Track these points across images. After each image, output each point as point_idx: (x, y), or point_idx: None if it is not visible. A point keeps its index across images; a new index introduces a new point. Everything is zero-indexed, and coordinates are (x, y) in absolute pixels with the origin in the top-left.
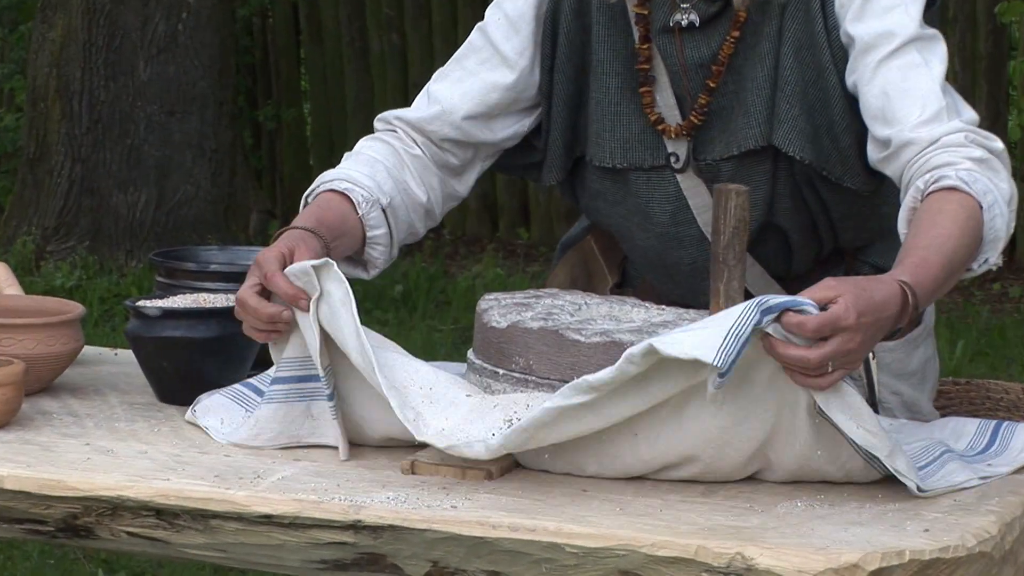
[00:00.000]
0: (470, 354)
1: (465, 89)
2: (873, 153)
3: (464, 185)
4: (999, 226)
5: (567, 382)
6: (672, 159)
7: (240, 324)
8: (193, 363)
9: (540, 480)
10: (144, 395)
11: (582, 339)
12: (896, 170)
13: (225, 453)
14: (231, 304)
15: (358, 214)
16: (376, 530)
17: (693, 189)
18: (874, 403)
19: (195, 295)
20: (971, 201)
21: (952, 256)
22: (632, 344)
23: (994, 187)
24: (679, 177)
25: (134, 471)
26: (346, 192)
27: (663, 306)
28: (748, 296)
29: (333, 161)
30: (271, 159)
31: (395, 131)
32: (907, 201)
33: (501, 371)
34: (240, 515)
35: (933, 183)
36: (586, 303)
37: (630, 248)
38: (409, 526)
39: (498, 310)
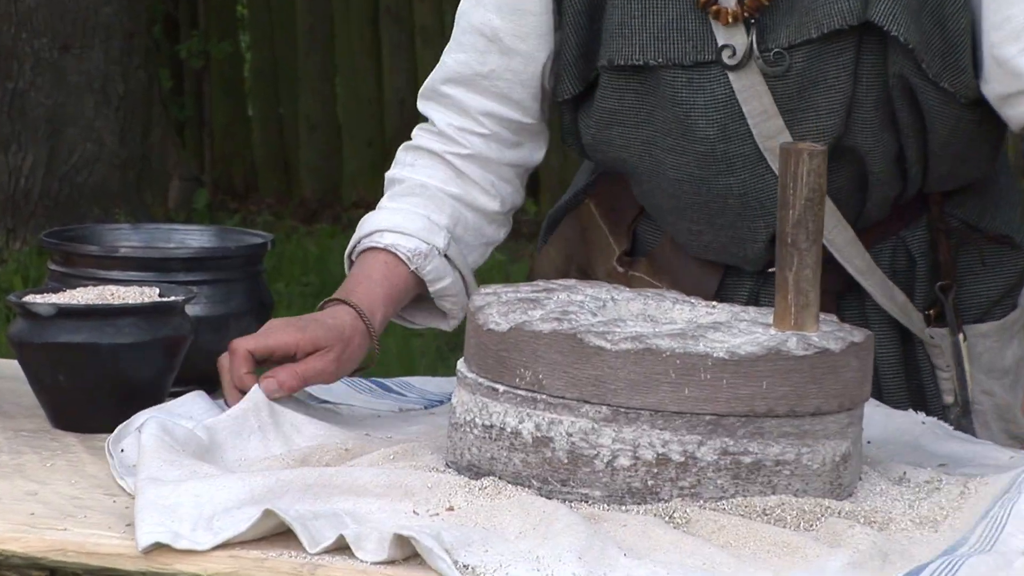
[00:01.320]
0: (460, 365)
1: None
2: (996, 83)
3: (540, 152)
4: None
5: (589, 402)
6: (726, 53)
7: (164, 327)
8: (99, 378)
9: None
10: (34, 419)
11: (608, 346)
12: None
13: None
14: (150, 300)
15: (410, 269)
16: None
17: (749, 90)
18: (967, 402)
19: (100, 288)
20: None
21: None
22: (673, 354)
23: None
24: (731, 76)
25: (20, 519)
26: (390, 249)
27: (713, 303)
28: (827, 288)
29: (279, 113)
30: (198, 108)
31: (439, 132)
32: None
33: (501, 387)
34: None
35: None
36: (613, 298)
37: (653, 190)
38: None
39: (497, 308)
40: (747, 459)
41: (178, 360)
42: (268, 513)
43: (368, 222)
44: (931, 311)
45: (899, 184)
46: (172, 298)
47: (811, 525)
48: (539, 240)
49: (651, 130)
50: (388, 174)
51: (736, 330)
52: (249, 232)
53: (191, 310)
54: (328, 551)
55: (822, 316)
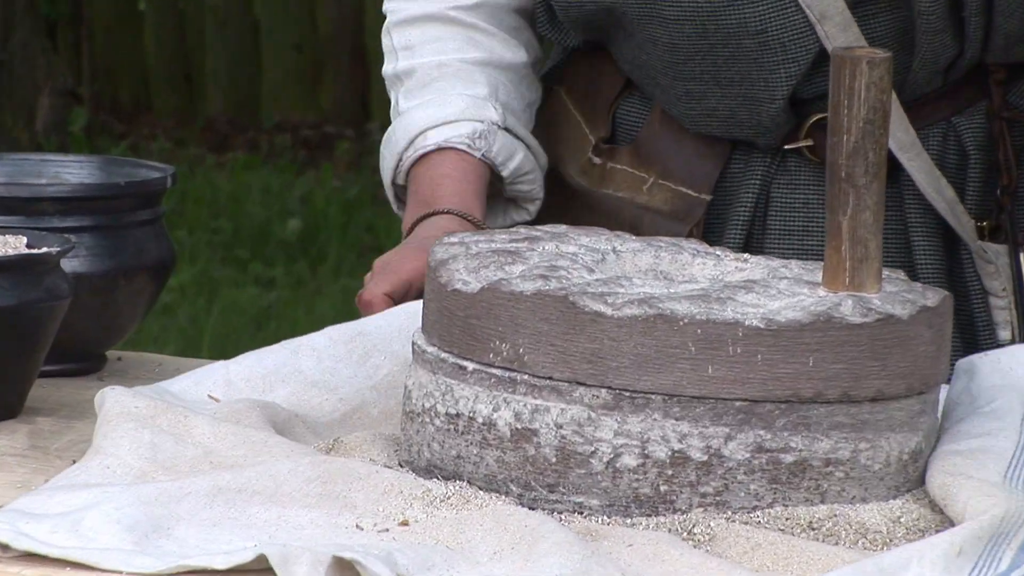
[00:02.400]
0: (417, 336)
1: None
2: None
3: None
4: None
5: (584, 384)
6: None
7: (33, 288)
8: None
9: None
10: None
11: (609, 311)
12: None
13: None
14: (15, 252)
15: (477, 157)
16: None
17: None
18: None
19: None
20: None
21: None
22: (693, 321)
23: None
24: None
25: None
26: (445, 146)
27: (745, 255)
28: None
29: (178, 4)
30: (74, 1)
31: None
32: None
33: (471, 365)
34: None
35: None
36: (615, 249)
37: (644, 42)
38: None
39: (466, 262)
40: (788, 458)
41: (52, 330)
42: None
43: (398, 133)
44: (984, 223)
45: (954, 41)
46: (44, 249)
47: (875, 543)
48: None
49: None
50: (386, 71)
51: (775, 290)
52: (143, 164)
53: (68, 265)
54: (242, 571)
55: (885, 272)
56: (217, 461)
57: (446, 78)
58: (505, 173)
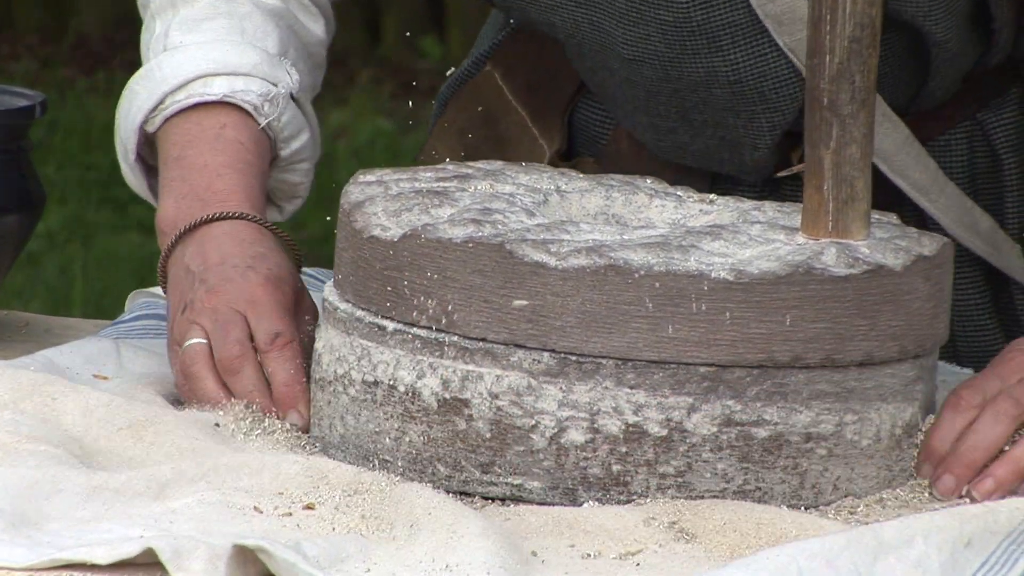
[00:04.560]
0: (329, 290)
1: None
2: None
3: None
4: None
5: (523, 347)
6: None
7: None
8: None
9: None
10: None
11: (552, 261)
12: None
13: None
14: None
15: (261, 124)
16: None
17: None
18: None
19: None
20: None
21: None
22: (650, 273)
23: None
24: None
25: None
26: (229, 100)
27: (711, 196)
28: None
29: None
30: None
31: None
32: None
33: (391, 325)
34: None
35: None
36: (559, 189)
37: (600, 68)
38: None
39: (385, 204)
40: (762, 432)
41: None
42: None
43: (166, 71)
44: None
45: (975, 52)
46: None
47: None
48: (431, 120)
49: None
50: None
51: (745, 237)
52: (6, 89)
53: None
54: (128, 567)
55: (874, 215)
56: (84, 453)
57: (235, 18)
58: (284, 153)
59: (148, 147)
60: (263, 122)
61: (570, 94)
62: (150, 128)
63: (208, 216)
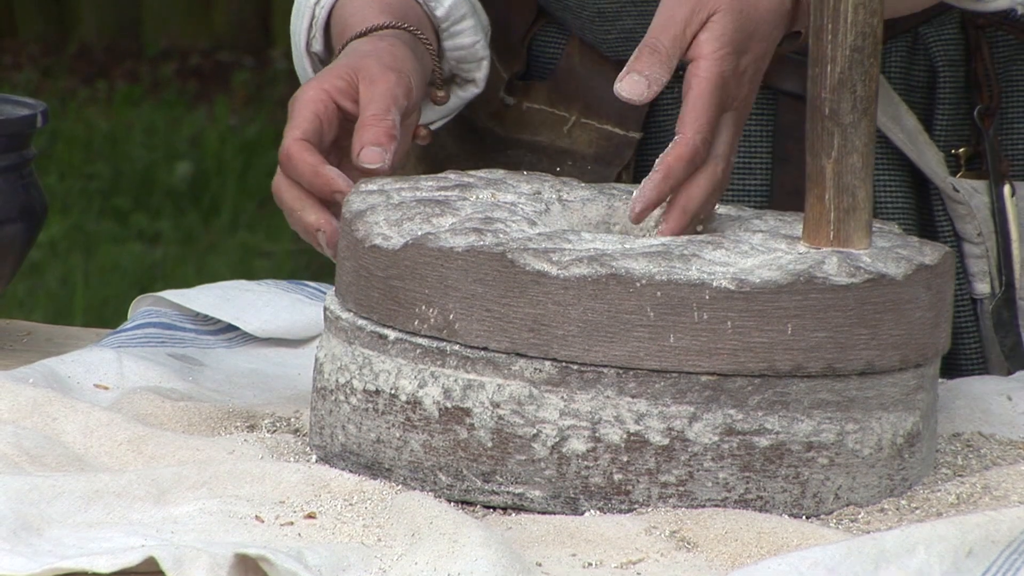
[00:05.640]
0: (330, 299)
1: None
2: None
3: None
4: None
5: (525, 356)
6: None
7: None
8: None
9: None
10: None
11: (553, 270)
12: None
13: None
14: None
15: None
16: None
17: None
18: (1010, 286)
19: None
20: None
21: None
22: (652, 282)
23: None
24: None
25: None
26: None
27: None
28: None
29: None
30: None
31: None
32: None
33: (392, 334)
34: None
35: None
36: (561, 198)
37: None
38: None
39: (387, 214)
40: (763, 441)
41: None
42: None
43: None
44: (959, 151)
45: None
46: None
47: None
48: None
49: None
50: None
51: (747, 246)
52: (8, 99)
53: None
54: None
55: (876, 224)
56: (86, 469)
57: None
58: (440, 12)
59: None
60: None
61: (526, 27)
62: (315, 47)
63: (350, 37)
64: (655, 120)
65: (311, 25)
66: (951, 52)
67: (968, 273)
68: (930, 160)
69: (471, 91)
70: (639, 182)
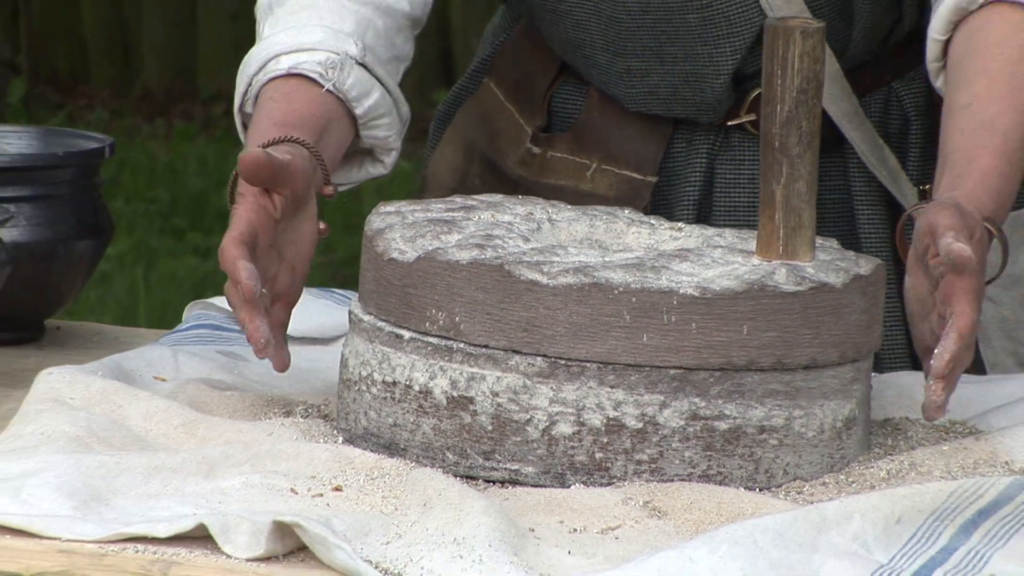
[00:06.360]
0: (354, 306)
1: None
2: None
3: None
4: None
5: (520, 352)
6: None
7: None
8: None
9: None
10: None
11: (544, 280)
12: None
13: None
14: None
15: (323, 88)
16: None
17: None
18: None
19: None
20: None
21: None
22: (628, 290)
23: None
24: None
25: None
26: (295, 71)
27: (680, 224)
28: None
29: None
30: None
31: None
32: (950, 3)
33: (407, 334)
34: None
35: None
36: (551, 219)
37: (588, 16)
38: None
39: (402, 231)
40: (723, 425)
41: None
42: (95, 496)
43: (254, 57)
44: (927, 187)
45: (892, 9)
46: None
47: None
48: (428, 141)
49: None
50: (260, 3)
51: (708, 259)
52: (80, 134)
53: (8, 235)
54: (183, 540)
55: (819, 240)
56: (146, 449)
57: (315, 9)
58: (359, 111)
59: None
60: (328, 85)
61: (548, 83)
62: (247, 108)
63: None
64: (668, 166)
65: (246, 91)
66: (920, 103)
67: None
68: (907, 194)
69: (380, 170)
70: None
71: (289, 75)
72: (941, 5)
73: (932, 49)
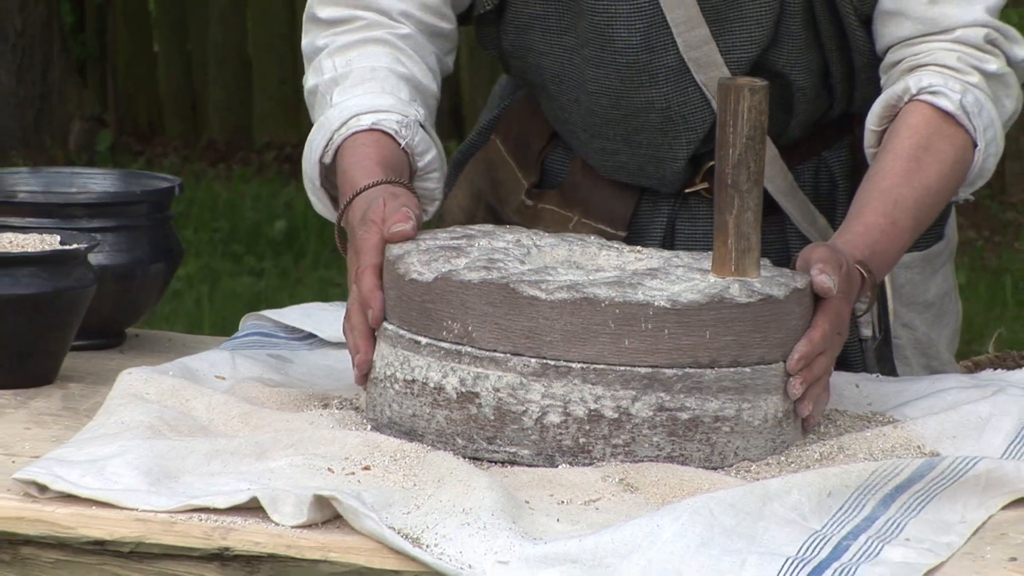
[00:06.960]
0: None
1: None
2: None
3: (452, 56)
4: (989, 167)
5: (522, 355)
6: None
7: (66, 278)
8: None
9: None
10: None
11: (543, 295)
12: (887, 38)
13: (36, 452)
14: (50, 248)
15: (400, 146)
16: (251, 561)
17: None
18: (887, 331)
19: None
20: (966, 139)
21: (925, 215)
22: (612, 303)
23: (996, 117)
24: None
25: None
26: (376, 127)
27: (639, 248)
28: (768, 236)
29: (186, 47)
30: (100, 44)
31: (360, 16)
32: (889, 96)
33: (424, 340)
34: (62, 540)
35: (927, 92)
36: (536, 244)
37: (569, 104)
38: (296, 555)
39: (418, 256)
40: (684, 415)
41: (81, 312)
42: (168, 473)
43: (332, 118)
44: None
45: (825, 102)
46: (74, 246)
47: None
48: (444, 185)
49: (573, 38)
50: (315, 81)
51: (673, 276)
52: (156, 176)
53: (94, 259)
54: (239, 511)
55: (763, 261)
56: (209, 434)
57: (378, 80)
58: (420, 165)
59: (327, 180)
60: (402, 143)
61: (542, 146)
62: (326, 160)
63: (355, 191)
64: (636, 222)
65: (327, 144)
66: (846, 168)
67: (857, 323)
68: None
69: (436, 206)
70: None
71: (371, 130)
72: (876, 101)
73: (868, 138)
